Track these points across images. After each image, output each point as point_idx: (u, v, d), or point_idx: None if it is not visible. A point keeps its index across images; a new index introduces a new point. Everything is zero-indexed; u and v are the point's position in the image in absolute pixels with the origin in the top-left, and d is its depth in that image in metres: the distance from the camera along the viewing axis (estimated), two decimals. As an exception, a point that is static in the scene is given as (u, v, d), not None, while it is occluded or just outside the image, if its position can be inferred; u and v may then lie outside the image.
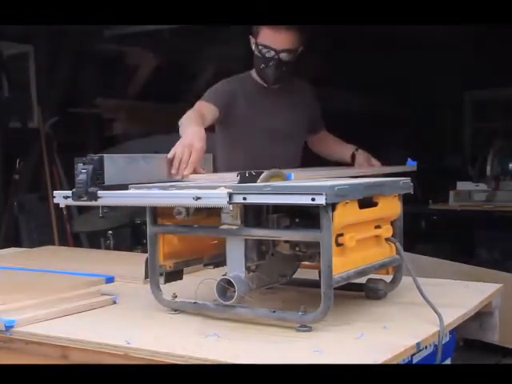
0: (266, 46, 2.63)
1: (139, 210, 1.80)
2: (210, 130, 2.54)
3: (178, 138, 2.29)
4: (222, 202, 1.56)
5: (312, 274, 1.84)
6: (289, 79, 2.78)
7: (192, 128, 2.28)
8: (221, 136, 2.83)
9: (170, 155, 2.09)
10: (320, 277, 1.55)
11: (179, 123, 2.41)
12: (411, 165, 2.30)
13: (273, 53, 2.63)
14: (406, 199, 1.88)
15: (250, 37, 2.69)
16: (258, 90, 2.78)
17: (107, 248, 4.40)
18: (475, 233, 5.21)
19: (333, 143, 2.97)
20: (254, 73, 2.79)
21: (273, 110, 2.78)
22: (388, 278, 1.89)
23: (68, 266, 2.29)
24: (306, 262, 1.78)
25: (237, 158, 2.76)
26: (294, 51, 2.65)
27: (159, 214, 1.77)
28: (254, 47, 2.69)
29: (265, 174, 1.74)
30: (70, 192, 1.75)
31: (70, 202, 1.73)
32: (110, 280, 2.01)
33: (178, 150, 2.10)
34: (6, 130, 5.64)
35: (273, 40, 2.61)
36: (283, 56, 2.63)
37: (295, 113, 2.82)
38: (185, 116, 2.46)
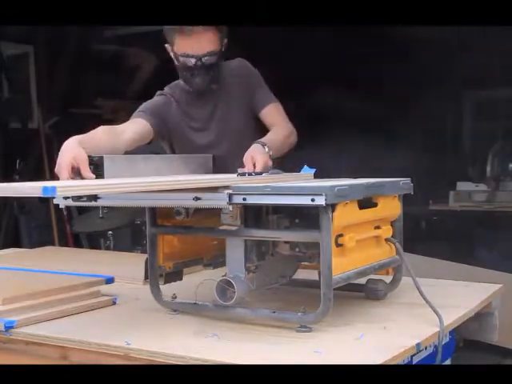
0: (185, 55, 2.35)
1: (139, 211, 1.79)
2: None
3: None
4: (221, 202, 1.57)
5: (312, 275, 1.84)
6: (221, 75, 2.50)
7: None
8: (166, 149, 2.62)
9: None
10: (320, 277, 1.55)
11: None
12: (308, 172, 2.02)
13: (194, 60, 2.35)
14: (406, 199, 1.88)
15: (166, 45, 2.43)
16: (186, 96, 2.55)
17: (107, 248, 4.41)
18: (475, 233, 5.21)
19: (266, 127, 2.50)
20: (181, 81, 2.55)
21: (202, 114, 2.53)
22: (388, 279, 1.89)
23: (68, 266, 2.29)
24: (306, 263, 1.78)
25: None
26: (218, 52, 2.38)
27: (159, 214, 1.77)
28: (172, 56, 2.43)
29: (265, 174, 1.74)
30: (70, 192, 1.74)
31: (70, 202, 1.73)
32: (109, 280, 2.01)
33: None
34: (6, 130, 5.65)
35: (190, 47, 2.34)
36: (207, 60, 2.35)
37: (228, 109, 2.52)
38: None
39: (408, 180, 1.88)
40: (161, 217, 1.77)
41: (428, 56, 6.26)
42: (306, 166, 1.97)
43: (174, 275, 1.83)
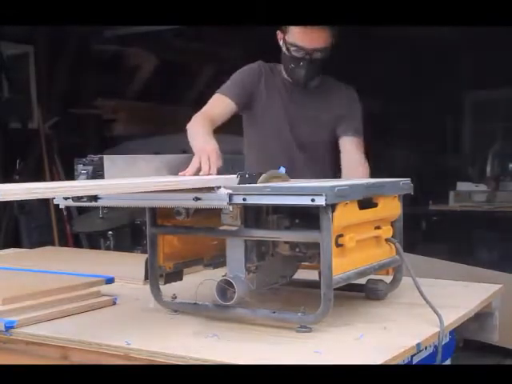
0: (295, 46, 2.42)
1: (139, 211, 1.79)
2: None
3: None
4: (221, 202, 1.57)
5: (312, 275, 1.84)
6: (322, 79, 2.60)
7: (199, 137, 2.22)
8: (244, 121, 2.68)
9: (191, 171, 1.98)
10: (320, 277, 1.55)
11: (187, 128, 2.34)
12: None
13: (303, 53, 2.43)
14: (406, 199, 1.88)
15: (278, 32, 2.49)
16: (282, 83, 2.59)
17: (107, 248, 4.41)
18: (475, 233, 5.21)
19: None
20: (282, 68, 2.59)
21: (293, 107, 2.59)
22: (388, 279, 1.89)
23: (68, 266, 2.28)
24: (306, 263, 1.78)
25: (251, 144, 2.67)
26: (326, 49, 2.46)
27: (159, 214, 1.77)
28: (281, 43, 2.50)
29: (264, 175, 1.74)
30: (70, 193, 1.74)
31: (70, 202, 1.73)
32: (109, 281, 2.01)
33: (195, 160, 2.02)
34: (6, 130, 5.64)
35: (304, 39, 2.40)
36: (315, 55, 2.43)
37: (319, 114, 2.59)
38: (192, 122, 2.36)
39: (408, 180, 1.88)
40: (161, 217, 1.77)
41: (428, 56, 6.26)
42: (281, 167, 1.98)
43: (174, 275, 1.83)
